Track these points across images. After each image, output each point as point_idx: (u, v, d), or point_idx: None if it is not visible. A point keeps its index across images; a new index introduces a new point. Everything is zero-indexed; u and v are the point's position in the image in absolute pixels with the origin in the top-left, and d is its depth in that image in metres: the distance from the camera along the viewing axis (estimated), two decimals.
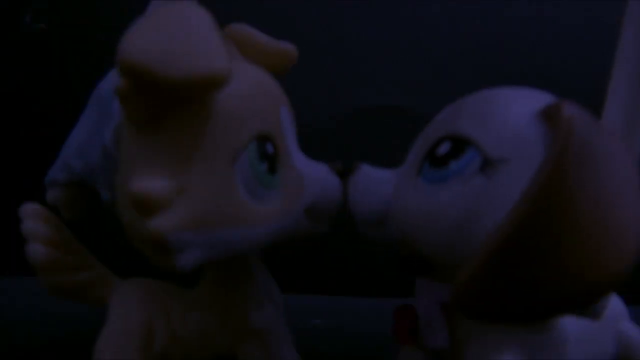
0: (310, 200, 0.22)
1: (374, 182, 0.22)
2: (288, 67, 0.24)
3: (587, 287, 0.17)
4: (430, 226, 0.19)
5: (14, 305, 0.39)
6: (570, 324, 0.22)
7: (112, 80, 0.23)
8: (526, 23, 0.45)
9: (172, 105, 0.18)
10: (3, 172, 0.46)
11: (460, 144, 0.19)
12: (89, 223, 0.25)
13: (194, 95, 0.18)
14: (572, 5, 0.45)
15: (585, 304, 0.18)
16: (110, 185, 0.21)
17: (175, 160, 0.18)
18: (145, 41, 0.17)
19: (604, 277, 0.17)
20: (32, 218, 0.23)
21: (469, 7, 0.47)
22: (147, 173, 0.18)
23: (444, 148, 0.20)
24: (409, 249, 0.21)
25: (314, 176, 0.22)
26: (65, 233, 0.24)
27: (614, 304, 0.26)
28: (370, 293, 0.44)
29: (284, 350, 0.25)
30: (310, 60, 0.49)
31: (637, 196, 0.18)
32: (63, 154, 0.24)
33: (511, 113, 0.19)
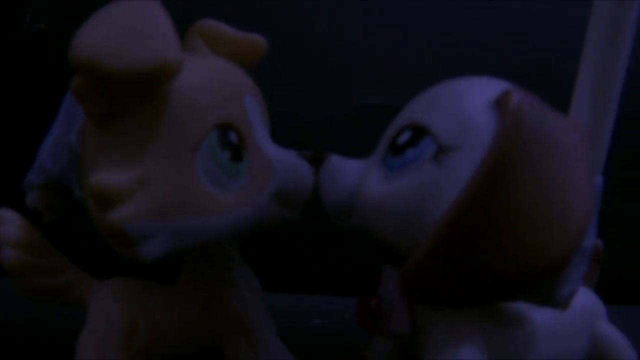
0: (278, 186, 0.22)
1: (341, 172, 0.22)
2: (258, 58, 0.24)
3: (529, 271, 0.17)
4: (388, 214, 0.20)
5: (14, 305, 0.39)
6: (540, 318, 0.22)
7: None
8: (526, 23, 0.45)
9: (128, 100, 0.19)
10: (3, 172, 0.46)
11: (418, 133, 0.20)
12: (70, 223, 0.26)
13: (148, 88, 0.19)
14: (572, 5, 0.45)
15: (529, 287, 0.18)
16: (79, 185, 0.21)
17: (133, 153, 0.19)
18: (96, 36, 0.18)
19: (545, 261, 0.17)
20: (3, 223, 0.23)
21: (469, 7, 0.47)
22: (105, 167, 0.19)
23: (404, 137, 0.20)
24: (374, 237, 0.21)
25: (283, 162, 0.22)
26: (38, 237, 0.24)
27: (591, 303, 0.26)
28: (370, 293, 0.44)
29: (269, 339, 0.25)
30: (311, 61, 0.49)
31: (583, 183, 0.18)
32: (39, 158, 0.24)
33: (465, 102, 0.19)
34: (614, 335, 0.26)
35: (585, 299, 0.26)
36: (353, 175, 0.22)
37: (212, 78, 0.21)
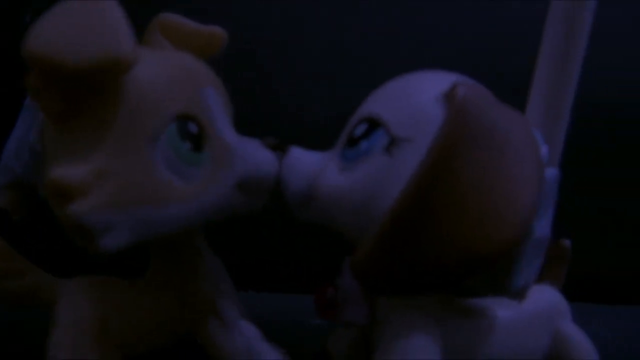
0: (241, 175, 0.22)
1: (301, 163, 0.22)
2: (219, 50, 0.25)
3: (471, 259, 0.18)
4: (343, 205, 0.20)
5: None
6: (500, 312, 0.22)
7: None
8: (527, 23, 0.45)
9: (83, 94, 0.19)
10: None
11: (372, 125, 0.20)
12: (36, 223, 0.26)
13: (102, 82, 0.19)
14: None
15: (473, 275, 0.18)
16: (43, 183, 0.22)
17: (90, 146, 0.19)
18: (49, 31, 0.18)
19: (488, 250, 0.17)
20: None
21: (469, 7, 0.47)
22: (63, 162, 0.19)
23: (360, 129, 0.21)
24: (332, 229, 0.21)
25: (245, 151, 0.23)
26: None
27: (555, 301, 0.26)
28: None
29: (242, 325, 0.25)
30: (311, 60, 0.49)
31: (529, 175, 0.18)
32: (3, 157, 0.24)
33: (417, 95, 0.20)
34: (576, 335, 0.26)
35: (548, 297, 0.26)
36: (312, 167, 0.22)
37: (169, 71, 0.21)
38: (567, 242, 0.27)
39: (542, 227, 0.20)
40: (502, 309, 0.23)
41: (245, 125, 0.24)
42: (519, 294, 0.21)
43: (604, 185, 0.44)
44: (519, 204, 0.18)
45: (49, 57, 0.18)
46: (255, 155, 0.23)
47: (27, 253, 0.25)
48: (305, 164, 0.22)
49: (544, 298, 0.25)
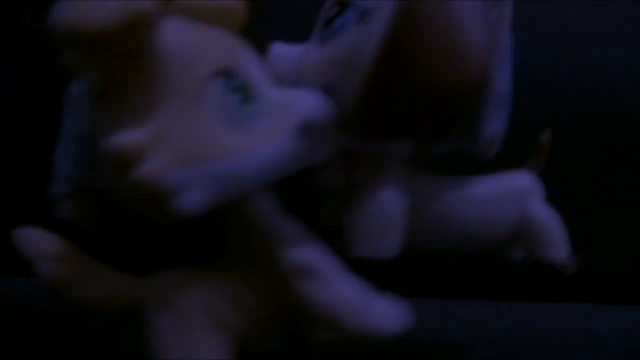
0: (299, 121, 0.22)
1: (283, 55, 0.25)
2: (242, 23, 0.25)
3: (439, 94, 0.21)
4: (324, 77, 0.24)
5: (13, 306, 0.39)
6: (468, 187, 0.27)
7: (76, 85, 0.24)
8: (529, 23, 0.45)
9: (122, 64, 0.20)
10: (2, 172, 0.46)
11: (343, 6, 0.24)
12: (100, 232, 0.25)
13: (136, 45, 0.19)
14: (571, 5, 0.45)
15: (444, 109, 0.22)
16: (102, 173, 0.21)
17: (143, 112, 0.19)
18: (74, 7, 0.19)
19: (449, 86, 0.21)
20: (30, 241, 0.23)
21: None
22: (119, 130, 0.19)
23: (332, 11, 0.24)
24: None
25: (296, 98, 0.23)
26: (72, 248, 0.23)
27: (525, 182, 0.29)
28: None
29: (342, 276, 0.24)
30: None
31: (480, 26, 0.22)
32: (57, 168, 0.24)
33: None
34: (543, 213, 0.28)
35: (520, 179, 0.29)
36: (295, 54, 0.25)
37: (201, 31, 0.22)
38: (546, 134, 0.30)
39: (502, 83, 0.24)
40: (470, 186, 0.27)
41: None
42: (487, 146, 0.25)
43: (604, 185, 0.44)
44: (473, 52, 0.21)
45: (80, 27, 0.18)
46: (307, 100, 0.23)
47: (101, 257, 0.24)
48: (289, 53, 0.25)
49: (515, 179, 0.29)
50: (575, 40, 0.45)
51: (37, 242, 0.23)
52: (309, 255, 0.24)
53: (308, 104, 0.23)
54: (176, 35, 0.21)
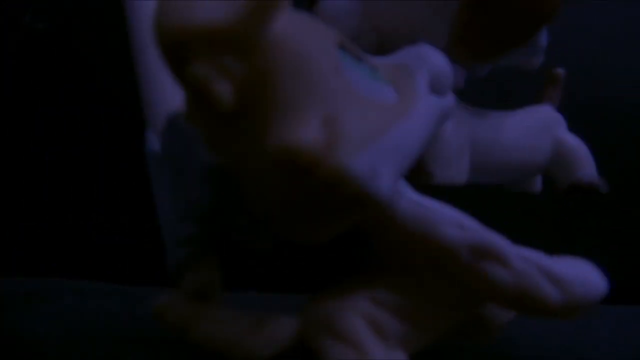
0: (427, 77, 0.22)
1: (336, 11, 0.24)
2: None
3: (538, 12, 0.23)
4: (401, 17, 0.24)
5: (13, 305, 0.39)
6: (509, 117, 0.29)
7: (153, 143, 0.22)
8: None
9: (244, 63, 0.16)
10: (3, 172, 0.46)
11: None
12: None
13: (261, 35, 0.16)
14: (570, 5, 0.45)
15: (539, 26, 0.24)
16: (244, 207, 0.19)
17: (291, 108, 0.16)
18: (184, 10, 0.16)
19: (543, 11, 0.24)
20: (169, 311, 0.21)
21: None
22: (279, 129, 0.16)
23: None
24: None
25: (419, 53, 0.23)
26: (207, 305, 0.21)
27: (552, 114, 0.31)
28: None
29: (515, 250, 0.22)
30: None
31: None
32: (167, 238, 0.22)
33: None
34: (572, 139, 0.31)
35: (546, 111, 0.32)
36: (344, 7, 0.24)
37: (304, 17, 0.19)
38: (559, 70, 0.33)
39: None
40: (508, 116, 0.29)
41: None
42: (539, 57, 0.28)
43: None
44: None
45: (186, 31, 0.15)
46: (425, 53, 0.23)
47: None
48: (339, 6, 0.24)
49: (543, 110, 0.31)
50: (576, 40, 0.45)
51: (178, 310, 0.21)
52: (477, 232, 0.21)
53: (426, 53, 0.23)
54: (291, 18, 0.18)
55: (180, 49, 0.16)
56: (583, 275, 0.21)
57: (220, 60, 0.16)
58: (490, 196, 0.34)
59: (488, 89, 0.44)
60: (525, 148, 0.29)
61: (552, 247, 0.22)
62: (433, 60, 0.23)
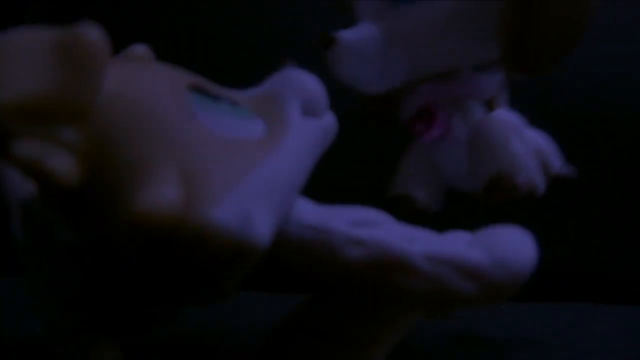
0: (299, 103, 0.21)
1: (360, 44, 0.25)
2: None
3: (576, 29, 0.24)
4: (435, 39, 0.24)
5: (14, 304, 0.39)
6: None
7: (16, 232, 0.20)
8: None
9: (82, 128, 0.15)
10: None
11: None
12: None
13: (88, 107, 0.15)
14: None
15: (577, 41, 0.24)
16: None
17: (148, 161, 0.15)
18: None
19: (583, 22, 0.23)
20: None
21: None
22: (138, 189, 0.15)
23: None
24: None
25: (280, 80, 0.22)
26: None
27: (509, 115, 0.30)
28: None
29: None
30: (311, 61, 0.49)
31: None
32: (50, 332, 0.20)
33: None
34: (536, 134, 0.31)
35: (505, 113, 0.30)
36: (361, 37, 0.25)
37: (144, 65, 0.19)
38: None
39: None
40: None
41: None
42: None
43: (604, 184, 0.44)
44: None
45: (17, 102, 0.13)
46: (295, 78, 0.21)
47: None
48: (364, 44, 0.25)
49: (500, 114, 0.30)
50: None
51: None
52: (378, 245, 0.19)
53: (294, 82, 0.21)
54: (124, 73, 0.16)
55: None
56: (504, 255, 0.20)
57: (46, 134, 0.14)
58: None
59: None
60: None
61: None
62: (303, 83, 0.21)
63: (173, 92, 0.17)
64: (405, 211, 0.27)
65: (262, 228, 0.15)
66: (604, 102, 0.45)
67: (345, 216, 0.21)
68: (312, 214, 0.21)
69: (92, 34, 0.14)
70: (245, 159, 0.16)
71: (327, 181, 0.25)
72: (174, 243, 0.15)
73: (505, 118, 0.28)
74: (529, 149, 0.27)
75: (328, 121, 0.22)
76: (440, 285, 0.19)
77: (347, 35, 0.24)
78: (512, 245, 0.20)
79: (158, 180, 0.14)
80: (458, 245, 0.20)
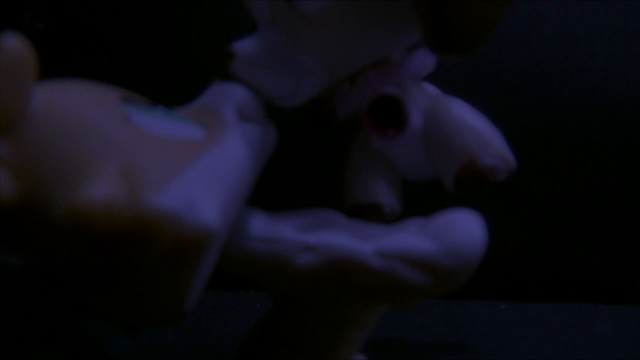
0: (233, 108, 0.21)
1: (260, 53, 0.22)
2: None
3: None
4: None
5: None
6: None
7: None
8: (526, 22, 0.45)
9: (13, 142, 0.14)
10: None
11: None
12: None
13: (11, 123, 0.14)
14: (569, 4, 0.45)
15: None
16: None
17: (85, 164, 0.15)
18: None
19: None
20: None
21: None
22: (76, 189, 0.14)
23: None
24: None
25: (214, 92, 0.22)
26: None
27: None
28: None
29: None
30: None
31: None
32: None
33: None
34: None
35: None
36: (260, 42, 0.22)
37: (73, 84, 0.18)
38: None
39: None
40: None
41: None
42: None
43: (604, 184, 0.44)
44: None
45: None
46: (228, 90, 0.22)
47: None
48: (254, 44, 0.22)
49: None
50: (576, 39, 0.45)
51: None
52: (328, 249, 0.20)
53: (228, 93, 0.21)
54: (54, 90, 0.16)
55: None
56: (454, 243, 0.19)
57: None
58: None
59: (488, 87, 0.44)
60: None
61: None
62: (236, 94, 0.21)
63: (104, 102, 0.17)
64: (373, 219, 0.25)
65: (208, 211, 0.15)
66: (604, 102, 0.45)
67: (295, 221, 0.21)
68: (261, 224, 0.21)
69: (17, 45, 0.14)
70: (187, 153, 0.16)
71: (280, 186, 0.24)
72: (120, 239, 0.14)
73: (455, 99, 0.25)
74: (488, 123, 0.25)
75: (266, 127, 0.22)
76: (394, 280, 0.19)
77: (244, 46, 0.22)
78: (462, 231, 0.20)
79: (95, 178, 0.14)
80: (408, 237, 0.20)
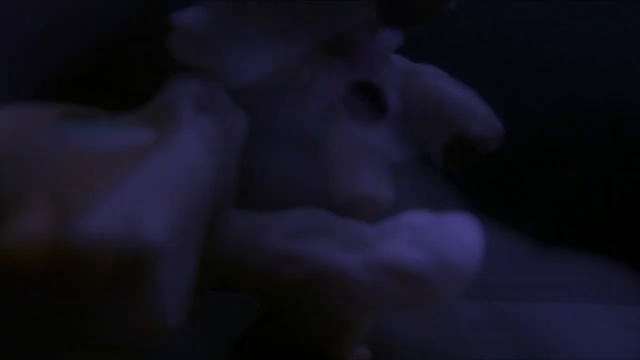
0: (191, 100, 0.19)
1: (203, 25, 0.20)
2: None
3: None
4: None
5: None
6: None
7: None
8: (524, 21, 0.45)
9: None
10: None
11: None
12: None
13: None
14: (569, 4, 0.45)
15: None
16: None
17: (13, 196, 0.14)
18: None
19: None
20: None
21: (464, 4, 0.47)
22: (7, 225, 0.14)
23: None
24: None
25: (170, 87, 0.20)
26: None
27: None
28: None
29: None
30: None
31: None
32: None
33: None
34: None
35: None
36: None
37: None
38: None
39: None
40: None
41: None
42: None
43: (604, 184, 0.44)
44: None
45: None
46: (182, 82, 0.20)
47: None
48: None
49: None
50: (574, 39, 0.45)
51: None
52: (310, 260, 0.19)
53: (182, 84, 0.20)
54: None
55: None
56: (446, 255, 0.18)
57: None
58: None
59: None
60: None
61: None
62: (189, 84, 0.20)
63: (38, 125, 0.16)
64: (365, 212, 0.24)
65: (151, 227, 0.13)
66: (604, 102, 0.45)
67: (282, 225, 0.20)
68: (243, 227, 0.20)
69: None
70: (127, 163, 0.15)
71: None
72: (55, 273, 0.13)
73: (428, 69, 0.24)
74: (468, 91, 0.24)
75: (231, 114, 0.20)
76: (382, 295, 0.19)
77: (185, 17, 0.20)
78: (457, 243, 0.19)
79: (25, 212, 0.13)
80: (399, 247, 0.19)
